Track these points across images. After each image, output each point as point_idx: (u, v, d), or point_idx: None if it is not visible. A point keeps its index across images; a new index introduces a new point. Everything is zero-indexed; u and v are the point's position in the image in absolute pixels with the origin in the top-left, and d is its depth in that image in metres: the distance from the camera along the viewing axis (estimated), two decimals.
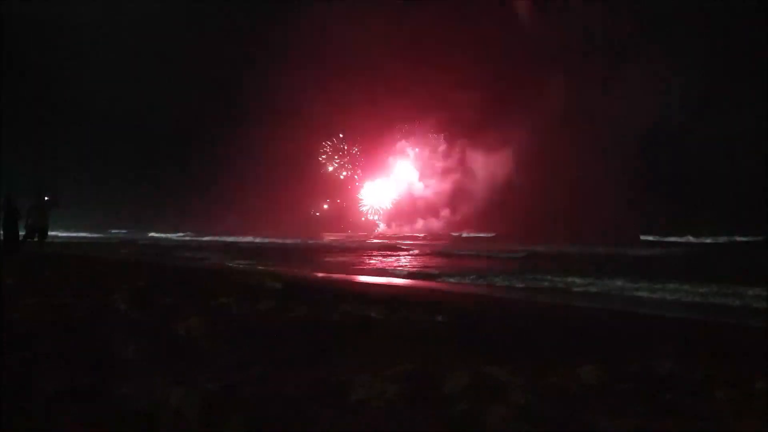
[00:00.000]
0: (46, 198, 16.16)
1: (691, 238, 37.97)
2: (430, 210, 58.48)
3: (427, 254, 29.40)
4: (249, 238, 49.07)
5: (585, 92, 49.34)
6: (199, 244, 43.08)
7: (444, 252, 30.71)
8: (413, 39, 54.88)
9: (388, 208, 60.51)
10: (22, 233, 16.26)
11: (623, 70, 47.84)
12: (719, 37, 43.94)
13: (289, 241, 45.83)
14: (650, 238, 38.83)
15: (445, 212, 57.73)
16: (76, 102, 59.66)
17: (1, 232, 15.79)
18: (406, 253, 30.48)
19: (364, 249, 34.30)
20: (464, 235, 53.32)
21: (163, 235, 60.08)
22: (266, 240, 47.42)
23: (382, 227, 60.07)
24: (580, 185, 48.08)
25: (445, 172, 57.77)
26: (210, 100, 62.08)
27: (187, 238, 55.52)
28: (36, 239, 15.97)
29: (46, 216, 16.10)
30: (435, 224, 57.68)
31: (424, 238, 52.05)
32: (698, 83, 41.85)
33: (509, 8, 53.37)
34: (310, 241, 45.26)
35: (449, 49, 53.14)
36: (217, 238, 51.28)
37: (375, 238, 53.81)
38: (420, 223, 58.58)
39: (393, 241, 45.45)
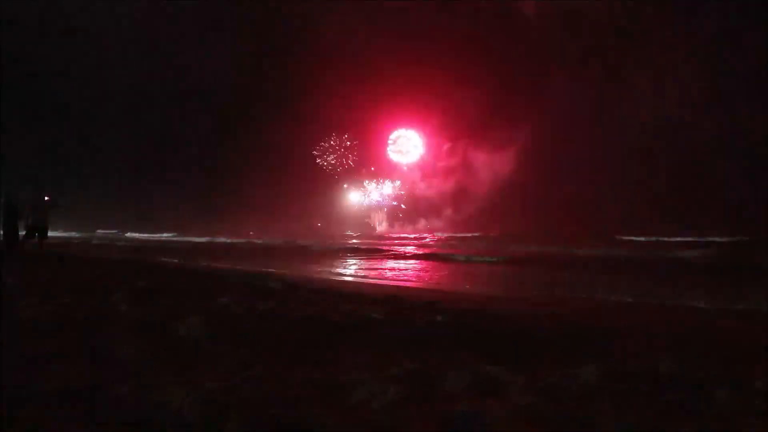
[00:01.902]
0: (46, 198, 16.17)
1: (667, 239, 37.60)
2: (425, 210, 58.47)
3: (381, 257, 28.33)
4: (222, 239, 48.24)
5: (586, 92, 49.44)
6: (176, 244, 42.55)
7: (404, 255, 29.79)
8: (417, 36, 54.91)
9: (387, 207, 60.40)
10: (22, 233, 16.27)
11: (626, 69, 47.91)
12: (723, 38, 43.95)
13: (258, 241, 44.95)
14: (642, 238, 38.58)
15: (438, 212, 57.72)
16: (75, 102, 59.67)
17: (1, 232, 15.79)
18: (365, 256, 29.29)
19: (331, 252, 33.35)
20: (443, 235, 53.11)
21: (138, 235, 59.87)
22: (230, 241, 46.49)
23: (384, 227, 59.95)
24: (571, 186, 48.31)
25: (446, 171, 57.72)
26: (202, 101, 61.83)
27: (154, 239, 55.04)
28: (36, 239, 15.98)
29: (46, 216, 16.10)
30: (432, 224, 57.72)
31: (405, 238, 51.50)
32: (700, 83, 41.83)
33: (513, 5, 53.39)
34: (283, 242, 44.15)
35: (453, 46, 53.21)
36: (193, 238, 50.67)
37: (358, 239, 53.16)
38: (421, 223, 58.55)
39: (373, 243, 44.71)
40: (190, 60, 59.89)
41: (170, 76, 60.35)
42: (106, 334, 4.15)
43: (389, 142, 58.42)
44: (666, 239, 36.14)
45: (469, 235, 50.57)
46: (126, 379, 3.00)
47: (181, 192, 64.21)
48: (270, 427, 2.53)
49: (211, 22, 60.61)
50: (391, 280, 16.18)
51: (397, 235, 54.57)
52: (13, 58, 53.22)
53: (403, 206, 59.95)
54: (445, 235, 52.93)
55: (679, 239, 35.61)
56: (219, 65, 61.61)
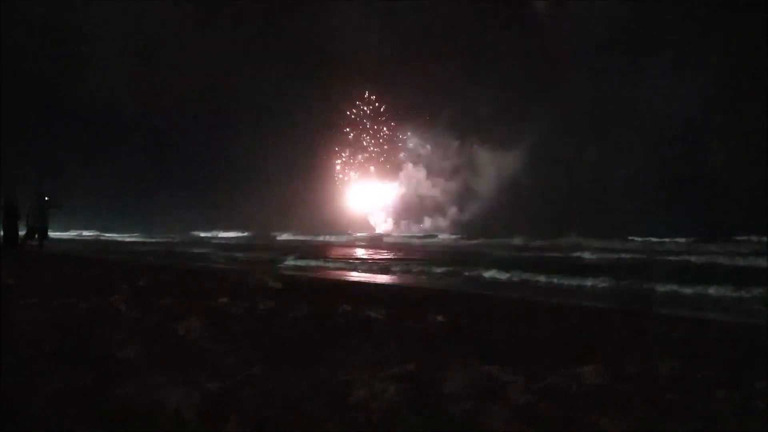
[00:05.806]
0: (46, 198, 16.18)
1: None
2: (430, 209, 58.21)
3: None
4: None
5: (589, 92, 49.35)
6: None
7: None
8: (423, 34, 54.64)
9: (392, 205, 59.87)
10: (22, 233, 16.29)
11: (633, 68, 47.79)
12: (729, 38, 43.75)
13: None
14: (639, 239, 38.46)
15: (442, 212, 57.37)
16: (76, 103, 59.55)
17: (1, 232, 15.81)
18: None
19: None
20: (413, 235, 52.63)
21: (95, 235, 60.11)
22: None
23: (390, 226, 59.51)
24: (575, 184, 48.18)
25: (452, 170, 57.17)
26: (191, 100, 61.12)
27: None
28: (36, 239, 16.00)
29: (46, 216, 16.11)
30: (436, 224, 57.48)
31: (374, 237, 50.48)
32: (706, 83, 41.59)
33: (522, 2, 53.08)
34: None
35: (461, 44, 52.99)
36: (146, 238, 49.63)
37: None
38: (425, 222, 58.25)
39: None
40: (194, 60, 59.63)
41: (173, 76, 60.12)
42: (105, 334, 4.15)
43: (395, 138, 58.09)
44: (656, 239, 35.96)
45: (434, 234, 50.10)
46: (125, 379, 3.00)
47: (179, 192, 64.02)
48: (270, 427, 2.53)
49: (215, 22, 60.32)
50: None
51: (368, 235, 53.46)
52: (14, 58, 53.14)
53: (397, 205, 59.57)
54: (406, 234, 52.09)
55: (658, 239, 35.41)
56: (221, 66, 61.41)
